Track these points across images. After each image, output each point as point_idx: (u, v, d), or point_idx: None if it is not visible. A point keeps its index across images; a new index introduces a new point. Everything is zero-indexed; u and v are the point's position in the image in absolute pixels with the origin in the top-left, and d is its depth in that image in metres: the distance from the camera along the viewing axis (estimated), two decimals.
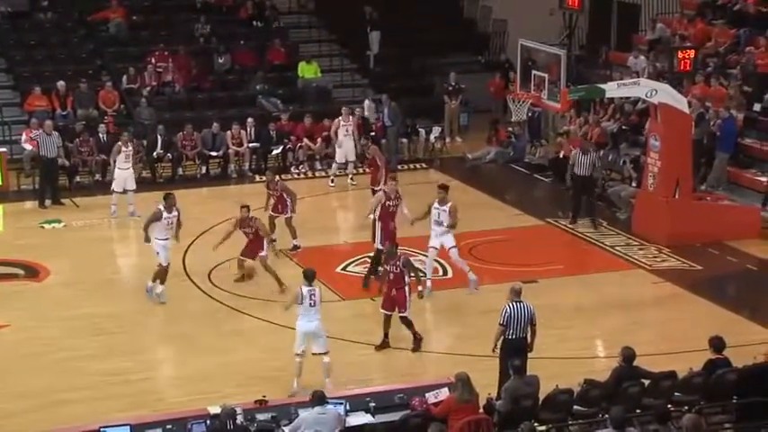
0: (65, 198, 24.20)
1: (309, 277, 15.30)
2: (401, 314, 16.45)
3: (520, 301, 14.53)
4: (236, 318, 17.91)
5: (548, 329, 15.75)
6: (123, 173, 22.92)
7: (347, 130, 25.75)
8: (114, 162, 23.22)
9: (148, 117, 27.37)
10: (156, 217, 18.25)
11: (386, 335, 16.54)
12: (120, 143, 23.25)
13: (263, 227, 19.26)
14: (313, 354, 15.23)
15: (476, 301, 18.22)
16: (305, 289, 15.15)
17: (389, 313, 16.44)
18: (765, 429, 12.68)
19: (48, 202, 23.88)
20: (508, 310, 14.44)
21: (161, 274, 18.38)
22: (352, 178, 25.53)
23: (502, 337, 14.50)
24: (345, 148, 25.68)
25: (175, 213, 18.35)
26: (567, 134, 26.37)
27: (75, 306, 18.36)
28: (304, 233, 20.87)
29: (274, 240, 20.19)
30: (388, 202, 18.95)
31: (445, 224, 18.30)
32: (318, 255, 20.61)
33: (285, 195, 20.67)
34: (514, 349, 14.27)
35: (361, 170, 25.61)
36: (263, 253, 18.87)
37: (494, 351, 14.61)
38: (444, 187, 18.98)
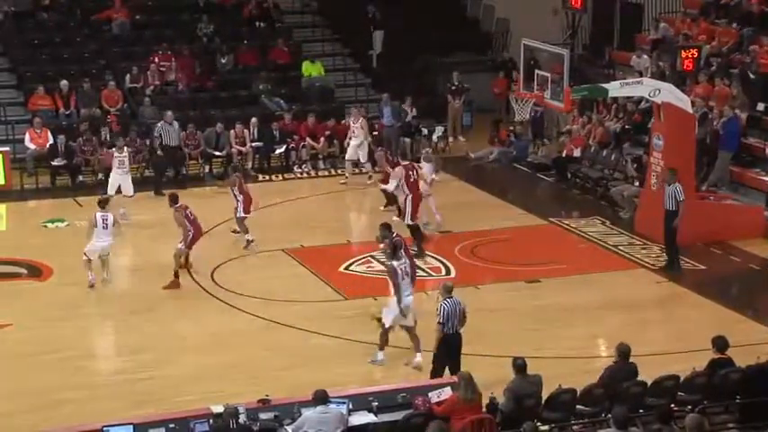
0: (67, 198, 24.22)
1: (103, 203, 18.88)
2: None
3: (452, 297, 14.82)
4: (239, 316, 17.89)
5: (551, 329, 15.71)
6: (117, 177, 22.59)
7: (354, 132, 25.75)
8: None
9: (152, 116, 27.39)
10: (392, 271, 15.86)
11: None
12: (114, 149, 23.04)
13: None
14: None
15: (478, 301, 18.17)
16: (98, 215, 18.41)
17: None
18: None
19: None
20: (445, 307, 14.70)
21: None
22: (370, 176, 25.48)
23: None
24: (355, 146, 25.72)
25: (405, 260, 15.93)
26: (569, 133, 26.38)
27: (78, 306, 18.33)
28: (307, 232, 20.83)
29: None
30: (409, 173, 20.40)
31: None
32: (321, 254, 20.63)
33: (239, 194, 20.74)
34: (452, 346, 14.67)
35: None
36: (180, 245, 18.87)
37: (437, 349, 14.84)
38: None
